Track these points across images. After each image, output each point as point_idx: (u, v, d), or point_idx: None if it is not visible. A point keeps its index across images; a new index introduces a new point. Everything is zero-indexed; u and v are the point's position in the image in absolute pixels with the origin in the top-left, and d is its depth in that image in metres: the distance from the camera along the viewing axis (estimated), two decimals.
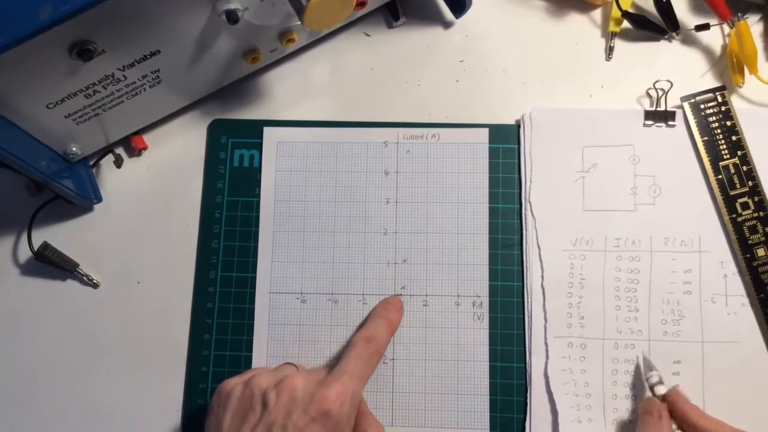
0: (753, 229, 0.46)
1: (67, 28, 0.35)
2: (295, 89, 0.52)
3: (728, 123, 0.48)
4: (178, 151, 0.51)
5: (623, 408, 0.45)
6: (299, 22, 0.40)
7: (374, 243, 0.49)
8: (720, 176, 0.47)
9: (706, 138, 0.48)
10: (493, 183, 0.49)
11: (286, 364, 0.45)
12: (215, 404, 0.41)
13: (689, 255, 0.47)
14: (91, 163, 0.50)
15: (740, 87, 0.49)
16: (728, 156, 0.48)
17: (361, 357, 0.42)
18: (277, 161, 0.50)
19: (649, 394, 0.43)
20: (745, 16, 0.48)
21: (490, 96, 0.51)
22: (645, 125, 0.49)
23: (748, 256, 0.46)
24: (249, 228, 0.49)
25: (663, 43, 0.51)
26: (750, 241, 0.46)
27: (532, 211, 0.48)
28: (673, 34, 0.51)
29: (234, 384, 0.41)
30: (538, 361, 0.46)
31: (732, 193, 0.47)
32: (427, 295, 0.48)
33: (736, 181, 0.47)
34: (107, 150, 0.50)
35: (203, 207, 0.50)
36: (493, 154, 0.49)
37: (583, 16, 0.52)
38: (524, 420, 0.45)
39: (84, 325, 0.49)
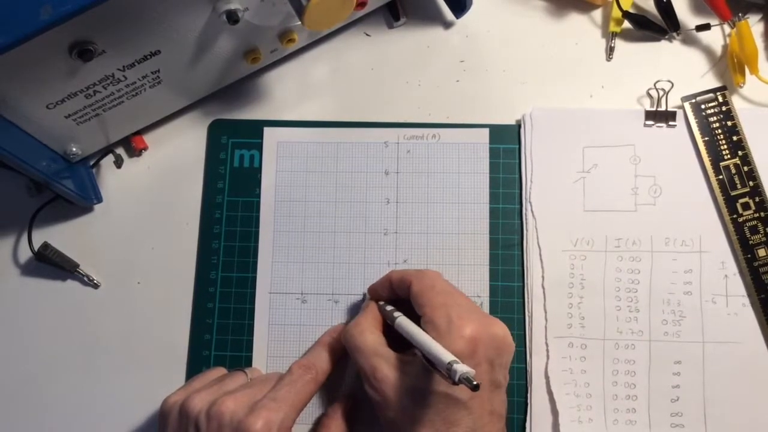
0: (754, 230, 0.46)
1: (67, 28, 0.35)
2: (295, 89, 0.52)
3: (729, 123, 0.48)
4: (179, 152, 0.51)
5: (624, 408, 0.45)
6: (299, 23, 0.40)
7: (374, 243, 0.49)
8: (721, 176, 0.47)
9: (706, 138, 0.48)
10: (494, 183, 0.49)
11: (238, 371, 0.44)
12: (159, 422, 0.41)
13: (690, 255, 0.47)
14: (92, 163, 0.50)
15: (741, 87, 0.49)
16: (729, 156, 0.48)
17: (295, 384, 0.41)
18: (277, 161, 0.50)
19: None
20: (746, 16, 0.48)
21: (490, 96, 0.51)
22: (646, 125, 0.49)
23: (748, 256, 0.46)
24: (249, 228, 0.49)
25: (663, 43, 0.51)
26: (751, 242, 0.46)
27: (532, 212, 0.48)
28: (674, 34, 0.51)
29: (173, 403, 0.41)
30: (539, 361, 0.46)
31: (733, 193, 0.47)
32: None
33: (737, 182, 0.47)
34: (107, 150, 0.50)
35: (203, 207, 0.50)
36: (493, 154, 0.49)
37: (583, 16, 0.52)
38: (524, 420, 0.45)
39: (84, 326, 0.49)
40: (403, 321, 0.41)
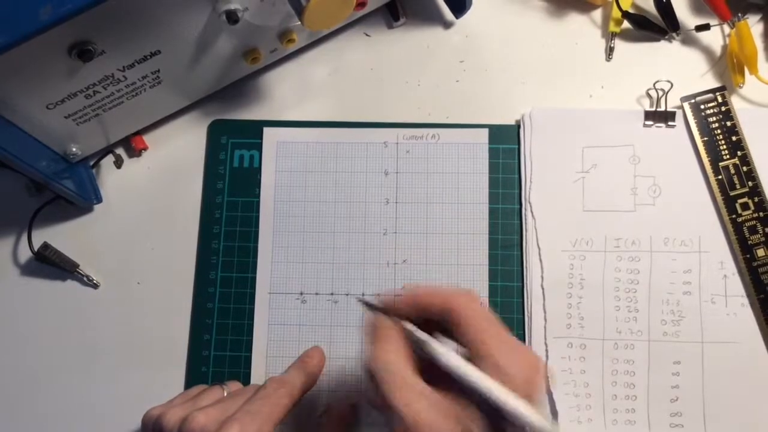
0: (753, 230, 0.46)
1: (67, 28, 0.35)
2: (295, 89, 0.52)
3: (728, 123, 0.48)
4: (178, 152, 0.51)
5: (623, 408, 0.45)
6: (299, 23, 0.40)
7: (374, 243, 0.49)
8: (720, 176, 0.47)
9: (706, 138, 0.48)
10: (493, 183, 0.49)
11: (216, 385, 0.44)
12: None
13: (689, 255, 0.47)
14: (92, 163, 0.50)
15: (740, 87, 0.49)
16: (728, 156, 0.48)
17: (269, 398, 0.40)
18: (277, 161, 0.50)
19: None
20: (746, 17, 0.48)
21: (490, 96, 0.51)
22: (645, 125, 0.49)
23: (748, 256, 0.46)
24: (249, 228, 0.49)
25: (663, 44, 0.51)
26: (750, 242, 0.46)
27: (532, 212, 0.48)
28: (674, 34, 0.51)
29: (150, 417, 0.41)
30: None
31: (732, 193, 0.47)
32: None
33: (736, 182, 0.47)
34: (107, 150, 0.50)
35: (203, 207, 0.50)
36: (493, 154, 0.49)
37: (583, 16, 0.52)
38: None
39: (84, 326, 0.49)
40: (452, 359, 0.34)
